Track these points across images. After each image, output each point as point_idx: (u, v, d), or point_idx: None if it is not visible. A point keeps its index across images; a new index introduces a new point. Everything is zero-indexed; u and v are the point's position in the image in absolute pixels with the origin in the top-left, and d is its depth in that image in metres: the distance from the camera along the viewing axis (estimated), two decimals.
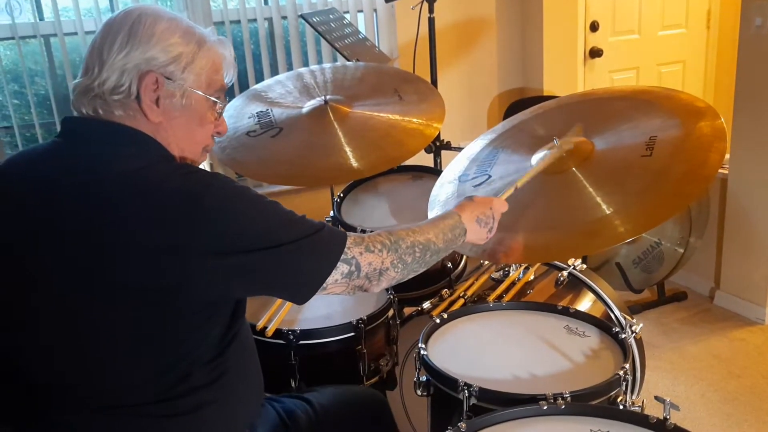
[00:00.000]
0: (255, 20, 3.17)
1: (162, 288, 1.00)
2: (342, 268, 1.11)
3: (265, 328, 1.59)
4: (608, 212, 1.41)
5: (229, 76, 1.18)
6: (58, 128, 1.13)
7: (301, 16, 2.75)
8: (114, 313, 1.01)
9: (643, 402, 1.46)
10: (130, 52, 1.05)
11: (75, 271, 1.00)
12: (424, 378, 1.37)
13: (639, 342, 1.80)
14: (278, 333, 1.57)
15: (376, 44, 3.31)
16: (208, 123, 1.16)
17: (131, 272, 0.99)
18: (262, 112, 2.08)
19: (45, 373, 1.06)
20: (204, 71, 1.11)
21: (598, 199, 1.44)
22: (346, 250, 1.11)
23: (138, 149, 1.07)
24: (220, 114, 1.18)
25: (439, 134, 2.61)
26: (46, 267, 1.02)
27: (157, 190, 1.01)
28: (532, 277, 1.88)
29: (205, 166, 3.15)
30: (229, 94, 3.37)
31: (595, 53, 3.74)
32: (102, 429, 1.06)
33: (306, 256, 1.08)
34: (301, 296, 1.11)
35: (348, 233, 1.15)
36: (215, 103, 1.15)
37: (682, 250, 2.90)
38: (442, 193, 1.74)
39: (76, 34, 2.83)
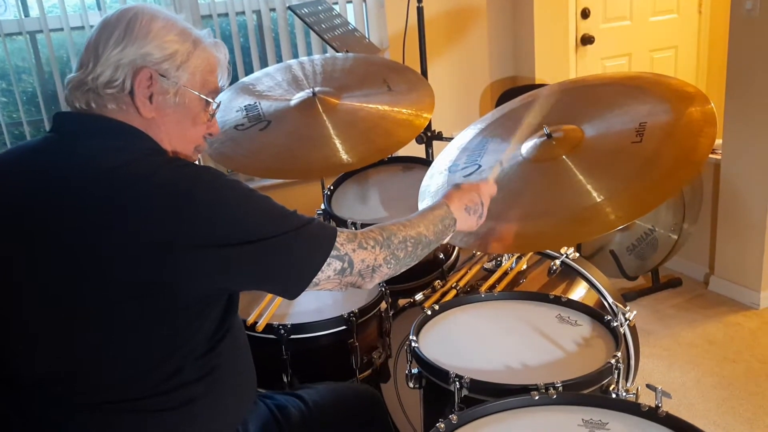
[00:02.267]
0: (243, 13, 3.15)
1: (155, 282, 0.99)
2: (335, 264, 1.10)
3: (255, 323, 1.58)
4: (599, 200, 1.40)
5: (223, 80, 1.18)
6: (47, 125, 1.14)
7: (290, 8, 2.73)
8: (109, 309, 1.01)
9: (637, 389, 1.45)
10: (126, 48, 1.05)
11: (68, 267, 1.00)
12: (415, 370, 1.36)
13: (633, 329, 1.79)
14: (269, 328, 1.56)
15: (366, 35, 3.29)
16: (201, 123, 1.16)
17: (124, 267, 0.98)
18: (250, 105, 2.06)
19: (39, 371, 1.05)
20: (198, 71, 1.12)
21: (589, 187, 1.43)
22: (338, 246, 1.11)
23: (128, 143, 1.07)
24: (213, 115, 1.18)
25: (430, 124, 2.59)
26: (40, 263, 1.02)
27: (148, 183, 1.00)
28: (524, 267, 1.87)
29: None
30: None
31: (586, 40, 3.72)
32: (94, 425, 1.05)
33: (297, 248, 1.08)
34: (292, 290, 1.10)
35: (340, 229, 1.14)
36: (209, 103, 1.15)
37: (676, 237, 2.90)
38: (433, 183, 1.73)
39: (62, 30, 2.81)
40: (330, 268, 1.10)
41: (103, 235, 0.98)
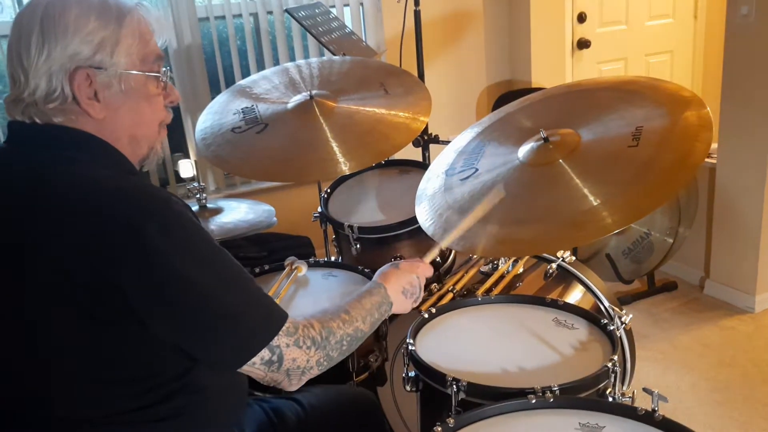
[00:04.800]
0: (240, 16, 3.15)
1: (96, 314, 0.96)
2: (263, 353, 1.04)
3: None
4: (595, 204, 1.40)
5: (162, 39, 1.10)
6: None
7: (287, 11, 2.73)
8: (66, 331, 0.98)
9: (633, 393, 1.45)
10: (51, 53, 0.98)
11: (26, 285, 0.98)
12: (412, 373, 1.36)
13: (629, 333, 1.80)
14: None
15: (363, 38, 3.30)
16: (156, 97, 1.10)
17: (65, 292, 0.95)
18: (247, 108, 2.06)
19: (17, 390, 1.04)
20: (133, 48, 1.04)
21: (585, 191, 1.44)
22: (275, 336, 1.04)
23: (81, 153, 1.03)
24: (166, 83, 1.11)
25: (426, 128, 2.60)
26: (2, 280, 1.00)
27: (95, 213, 0.95)
28: (521, 270, 1.87)
29: (190, 165, 3.13)
30: (215, 89, 3.34)
31: (582, 44, 3.74)
32: None
33: (246, 320, 1.03)
34: (226, 362, 1.05)
35: (288, 317, 1.08)
36: (157, 76, 1.09)
37: (671, 240, 2.91)
38: (429, 187, 1.73)
39: None
40: (257, 355, 1.03)
41: (43, 255, 0.95)
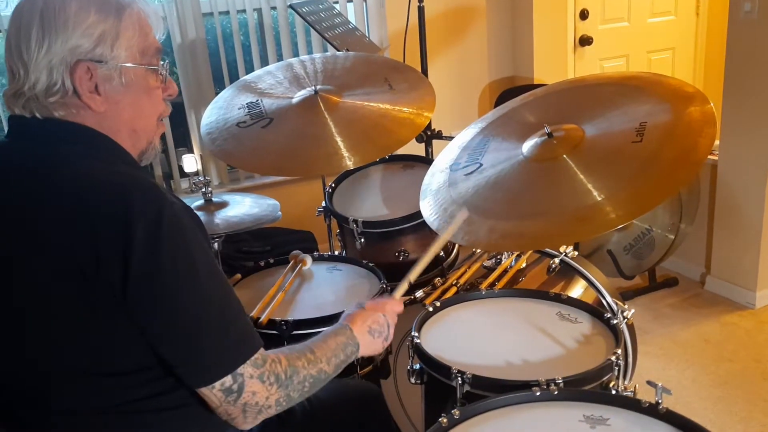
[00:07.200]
0: (244, 11, 3.16)
1: (92, 309, 0.96)
2: (226, 378, 1.00)
3: (259, 318, 1.59)
4: (599, 199, 1.41)
5: (160, 32, 1.10)
6: None
7: (291, 6, 2.74)
8: (64, 326, 0.98)
9: (635, 387, 1.47)
10: (51, 46, 0.98)
11: (24, 282, 0.98)
12: (417, 366, 1.37)
13: (631, 328, 1.81)
14: (271, 323, 1.57)
15: (366, 34, 3.30)
16: (155, 90, 1.10)
17: (62, 290, 0.96)
18: (252, 102, 2.07)
19: (17, 386, 1.05)
20: (133, 41, 1.04)
21: (589, 186, 1.45)
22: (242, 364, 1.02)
23: (82, 147, 1.03)
24: (166, 76, 1.11)
25: (430, 123, 2.61)
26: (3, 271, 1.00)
27: (91, 210, 0.95)
28: (524, 265, 1.88)
29: (194, 159, 3.14)
30: (219, 85, 3.34)
31: (585, 41, 3.74)
32: (93, 428, 1.04)
33: (217, 339, 1.01)
34: (189, 374, 1.01)
35: (260, 349, 1.06)
36: (156, 69, 1.09)
37: (672, 236, 2.92)
38: (434, 182, 1.75)
39: None
40: (220, 379, 1.01)
41: (44, 251, 0.96)
